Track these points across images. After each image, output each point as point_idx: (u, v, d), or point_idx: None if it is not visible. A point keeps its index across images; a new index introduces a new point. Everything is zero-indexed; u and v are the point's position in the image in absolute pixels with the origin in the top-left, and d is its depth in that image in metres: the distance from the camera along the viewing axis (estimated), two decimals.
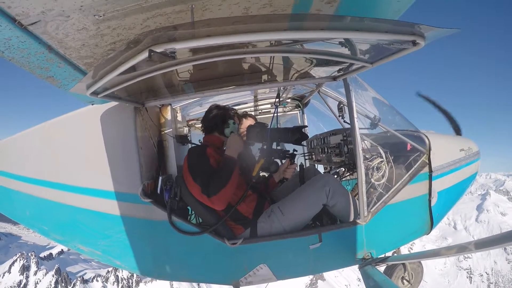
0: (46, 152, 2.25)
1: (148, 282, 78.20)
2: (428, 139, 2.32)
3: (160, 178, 2.14)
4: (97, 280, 79.39)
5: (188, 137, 3.00)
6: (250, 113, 3.68)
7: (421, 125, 2.72)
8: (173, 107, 2.64)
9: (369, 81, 2.51)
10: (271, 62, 1.95)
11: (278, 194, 2.48)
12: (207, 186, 1.85)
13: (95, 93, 1.59)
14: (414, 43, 1.31)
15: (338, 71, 2.08)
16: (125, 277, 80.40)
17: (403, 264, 2.38)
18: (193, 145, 2.67)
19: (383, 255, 2.17)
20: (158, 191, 2.11)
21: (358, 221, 2.05)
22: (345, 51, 1.56)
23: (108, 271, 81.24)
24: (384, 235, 2.18)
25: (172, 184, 2.09)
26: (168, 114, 2.44)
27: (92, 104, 2.06)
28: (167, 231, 2.00)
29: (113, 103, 2.08)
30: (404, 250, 2.62)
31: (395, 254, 2.48)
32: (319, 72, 2.27)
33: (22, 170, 2.28)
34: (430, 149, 2.30)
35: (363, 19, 1.17)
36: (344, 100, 2.33)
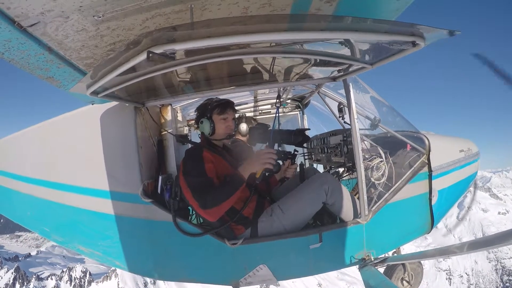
0: (46, 151, 2.25)
1: (100, 282, 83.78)
2: (428, 140, 2.32)
3: (160, 177, 2.13)
4: (51, 279, 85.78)
5: (188, 137, 3.00)
6: (248, 116, 3.68)
7: (421, 125, 2.73)
8: (174, 107, 2.63)
9: (369, 80, 2.52)
10: (271, 62, 1.94)
11: (278, 193, 2.48)
12: (203, 198, 1.74)
13: (95, 93, 1.59)
14: (414, 44, 1.31)
15: (338, 71, 2.08)
16: (78, 277, 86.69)
17: (403, 264, 2.38)
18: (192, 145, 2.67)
19: (383, 256, 2.16)
20: (159, 191, 2.10)
21: (358, 220, 2.04)
22: (345, 52, 1.56)
23: (63, 271, 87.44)
24: (384, 234, 2.18)
25: (172, 184, 2.08)
26: (168, 114, 2.44)
27: (93, 104, 2.06)
28: (167, 231, 1.99)
29: (114, 103, 2.08)
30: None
31: (395, 254, 2.48)
32: (319, 72, 2.27)
33: (22, 170, 2.27)
34: (429, 150, 2.30)
35: (363, 20, 1.16)
36: (344, 101, 2.33)
